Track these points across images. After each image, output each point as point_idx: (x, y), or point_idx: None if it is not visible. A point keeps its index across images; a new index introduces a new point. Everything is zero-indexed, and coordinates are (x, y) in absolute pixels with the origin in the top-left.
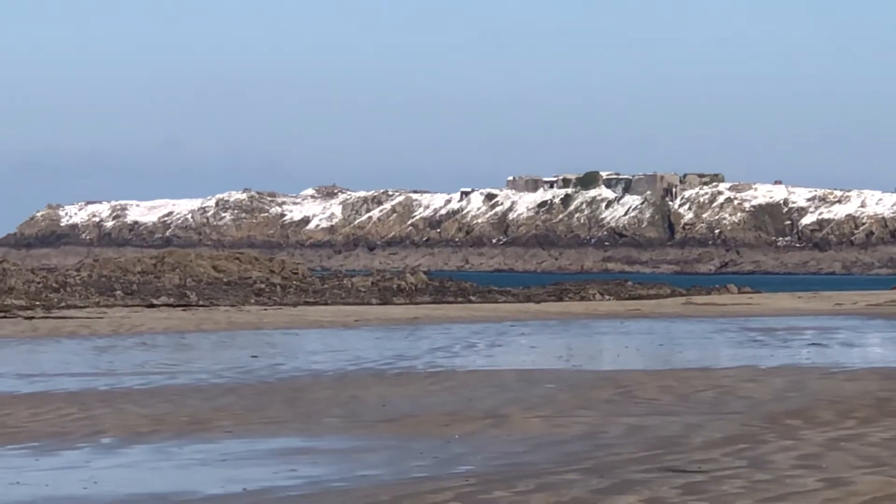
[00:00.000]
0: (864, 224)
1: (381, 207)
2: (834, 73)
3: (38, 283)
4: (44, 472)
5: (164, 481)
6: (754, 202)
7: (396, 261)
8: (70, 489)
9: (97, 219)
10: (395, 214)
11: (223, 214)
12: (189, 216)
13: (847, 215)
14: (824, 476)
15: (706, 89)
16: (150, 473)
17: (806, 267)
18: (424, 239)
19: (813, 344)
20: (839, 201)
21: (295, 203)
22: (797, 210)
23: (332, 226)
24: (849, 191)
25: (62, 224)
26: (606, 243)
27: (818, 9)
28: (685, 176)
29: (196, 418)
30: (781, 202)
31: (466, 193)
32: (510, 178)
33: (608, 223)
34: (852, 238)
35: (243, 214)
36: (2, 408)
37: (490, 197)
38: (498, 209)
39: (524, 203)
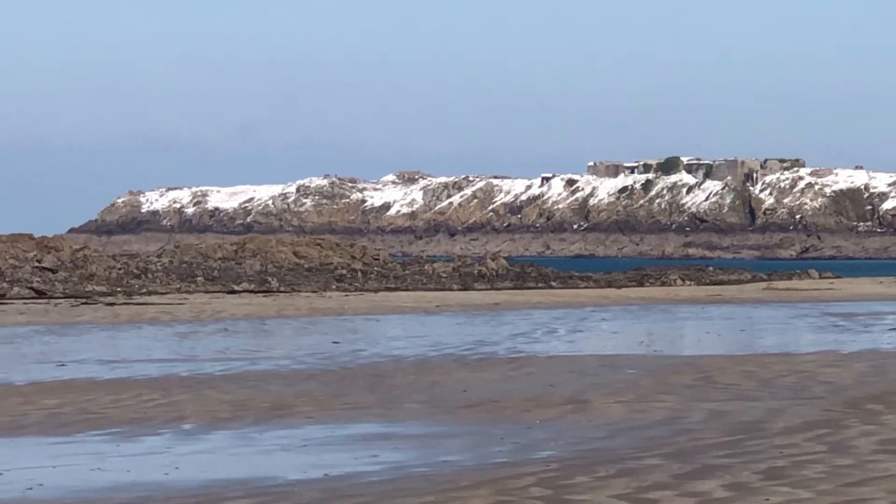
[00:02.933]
0: None
1: (461, 193)
2: None
3: (119, 269)
4: (125, 458)
5: (245, 467)
6: (835, 187)
7: (477, 246)
8: (152, 475)
9: (178, 205)
10: (475, 200)
11: (304, 200)
12: (270, 202)
13: None
14: None
15: (786, 74)
16: (232, 459)
17: (887, 252)
18: (505, 225)
19: (894, 329)
20: None
21: (376, 189)
22: (878, 195)
23: (412, 211)
24: None
25: (143, 210)
26: (687, 228)
27: None
28: (766, 161)
29: (277, 404)
30: (862, 187)
31: (547, 179)
32: (591, 163)
33: (689, 208)
34: None
35: (324, 200)
36: (83, 394)
37: (571, 182)
38: (578, 195)
39: (605, 188)
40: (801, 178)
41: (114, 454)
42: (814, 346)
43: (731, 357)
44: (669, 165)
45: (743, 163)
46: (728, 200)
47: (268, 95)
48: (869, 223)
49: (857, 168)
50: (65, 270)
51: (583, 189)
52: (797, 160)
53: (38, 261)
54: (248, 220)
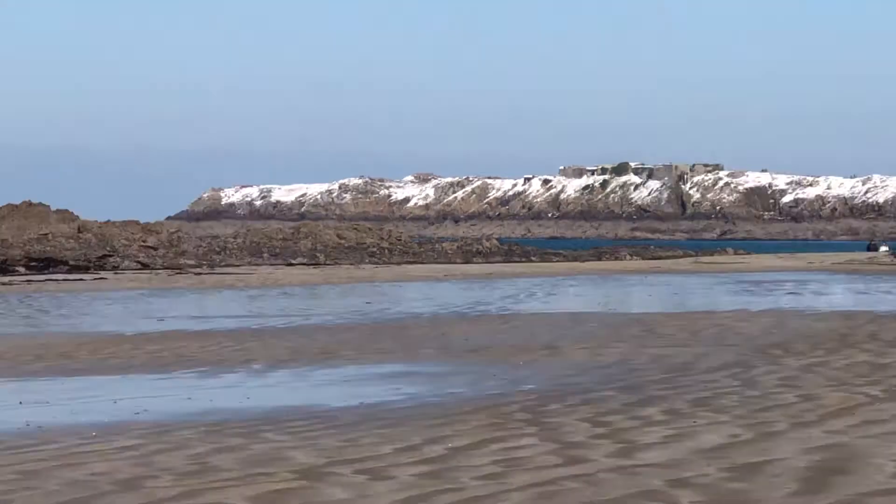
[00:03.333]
0: (829, 202)
1: (463, 189)
2: (811, 77)
3: (204, 247)
4: (209, 390)
5: (300, 397)
6: (746, 185)
7: (475, 230)
8: (229, 403)
9: (249, 198)
10: (474, 195)
11: (344, 195)
12: (318, 196)
13: (816, 195)
14: (800, 393)
15: (710, 96)
16: (290, 391)
17: (786, 235)
18: (497, 213)
19: (791, 293)
20: (810, 185)
21: (399, 186)
22: (779, 191)
23: (426, 204)
24: (818, 176)
25: (222, 203)
26: (634, 217)
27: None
28: (694, 165)
29: (324, 350)
30: (767, 185)
31: (528, 179)
32: (561, 167)
33: (636, 202)
34: (820, 213)
35: (360, 195)
36: (177, 342)
37: (546, 182)
38: (552, 191)
39: (572, 186)
40: (720, 178)
41: (201, 387)
42: (730, 306)
43: (668, 314)
44: (621, 169)
45: (676, 167)
46: (665, 195)
47: (316, 113)
48: (772, 213)
49: (763, 171)
50: (163, 248)
51: (555, 187)
52: (717, 165)
53: (143, 241)
54: (302, 210)
